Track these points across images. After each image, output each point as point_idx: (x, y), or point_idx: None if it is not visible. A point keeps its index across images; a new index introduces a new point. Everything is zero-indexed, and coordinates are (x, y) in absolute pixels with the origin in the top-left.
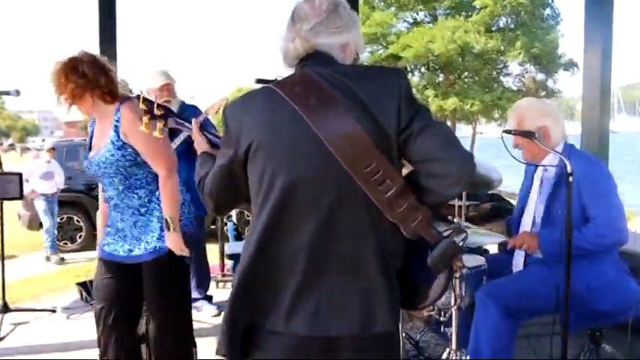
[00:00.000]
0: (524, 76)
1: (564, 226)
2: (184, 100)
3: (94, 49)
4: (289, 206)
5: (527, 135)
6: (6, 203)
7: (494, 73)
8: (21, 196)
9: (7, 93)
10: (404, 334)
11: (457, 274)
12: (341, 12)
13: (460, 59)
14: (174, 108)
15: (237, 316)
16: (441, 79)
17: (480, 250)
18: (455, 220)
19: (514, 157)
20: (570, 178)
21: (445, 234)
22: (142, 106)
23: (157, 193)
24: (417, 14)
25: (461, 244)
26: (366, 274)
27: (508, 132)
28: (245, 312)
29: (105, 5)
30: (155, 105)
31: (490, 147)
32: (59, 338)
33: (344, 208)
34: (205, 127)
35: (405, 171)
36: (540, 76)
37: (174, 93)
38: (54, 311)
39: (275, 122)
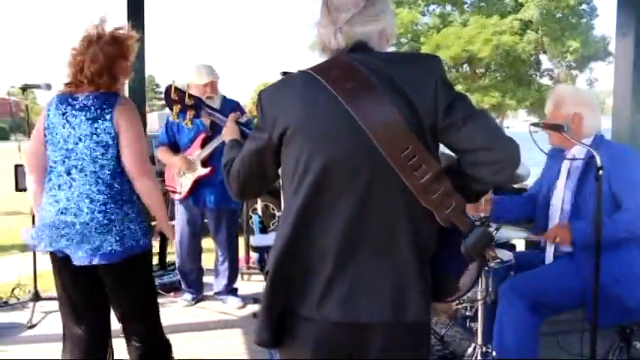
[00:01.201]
0: (553, 71)
1: (594, 216)
2: (225, 95)
3: None
4: (324, 189)
5: (556, 128)
6: None
7: (531, 69)
8: None
9: (38, 87)
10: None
11: (490, 264)
12: None
13: (499, 59)
14: (217, 104)
15: (273, 301)
16: (474, 76)
17: (506, 246)
18: (482, 214)
19: (542, 150)
20: (600, 172)
21: (478, 223)
22: (173, 95)
23: None
24: (445, 7)
25: (494, 233)
26: (399, 259)
27: (536, 125)
28: (280, 297)
29: (133, 2)
30: (187, 95)
31: (519, 141)
32: None
33: (378, 191)
34: (243, 123)
35: None
36: (575, 70)
37: (217, 90)
38: None
39: (311, 106)
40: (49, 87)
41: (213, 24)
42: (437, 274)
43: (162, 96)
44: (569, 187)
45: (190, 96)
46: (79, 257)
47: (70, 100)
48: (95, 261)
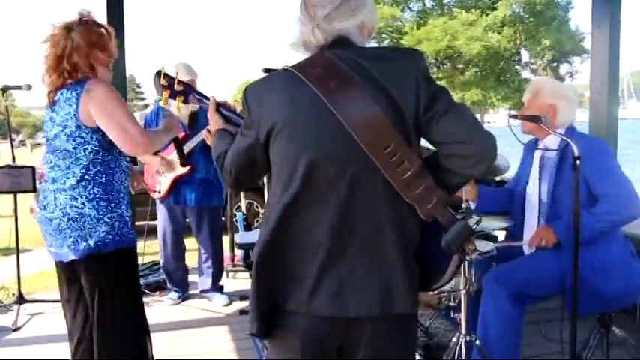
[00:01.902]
0: (537, 63)
1: (572, 209)
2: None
3: None
4: (310, 186)
5: (533, 119)
6: (19, 197)
7: (511, 64)
8: (34, 189)
9: (19, 87)
10: None
11: (469, 257)
12: None
13: (481, 55)
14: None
15: (261, 291)
16: (456, 72)
17: (488, 237)
18: (463, 204)
19: (520, 141)
20: (577, 162)
21: (459, 217)
22: (162, 81)
23: None
24: (425, 4)
25: (474, 227)
26: (386, 254)
27: (514, 117)
28: (267, 290)
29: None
30: (175, 81)
31: (499, 137)
32: None
33: (363, 188)
34: (224, 107)
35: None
36: (554, 64)
37: (195, 87)
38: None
39: (295, 104)
40: (29, 87)
41: (193, 22)
42: (422, 264)
43: (143, 95)
44: (545, 180)
45: (179, 82)
46: (64, 253)
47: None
48: (71, 256)
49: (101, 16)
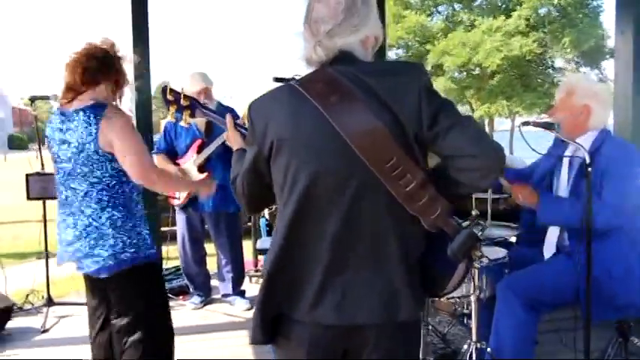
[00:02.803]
0: (566, 69)
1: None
2: (220, 101)
3: (128, 50)
4: (313, 200)
5: (547, 127)
6: (48, 202)
7: (539, 68)
8: None
9: (47, 98)
10: (430, 327)
11: (476, 264)
12: (357, 7)
13: (505, 65)
14: None
15: (267, 305)
16: (484, 79)
17: (504, 243)
18: (472, 212)
19: (533, 149)
20: (589, 169)
21: (464, 225)
22: (169, 96)
23: None
24: (453, 7)
25: (479, 234)
26: (388, 265)
27: (527, 123)
28: (274, 301)
29: (137, 7)
30: (182, 96)
31: (529, 140)
32: None
33: (366, 200)
34: (242, 125)
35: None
36: (584, 68)
37: (211, 96)
38: None
39: (298, 119)
40: (56, 98)
41: (224, 27)
42: (428, 272)
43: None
44: (569, 179)
45: (186, 97)
46: (86, 266)
47: (65, 113)
48: (100, 274)
49: (126, 29)
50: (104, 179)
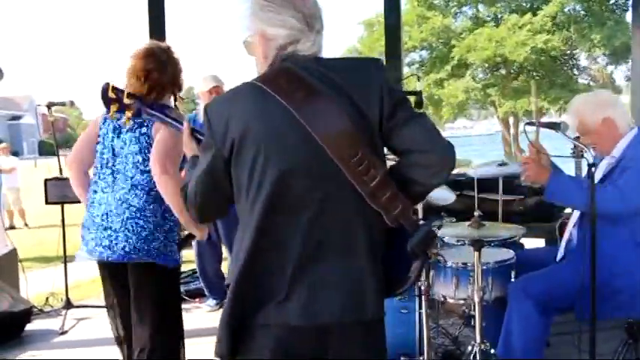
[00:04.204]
0: (591, 68)
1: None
2: None
3: None
4: (282, 198)
5: (551, 127)
6: (66, 207)
7: (565, 68)
8: (79, 200)
9: (63, 104)
10: (440, 329)
11: (432, 260)
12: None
13: (532, 61)
14: None
15: (234, 315)
16: (508, 77)
17: (513, 245)
18: (475, 212)
19: (538, 150)
20: (593, 169)
21: (422, 222)
22: (111, 94)
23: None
24: (478, 9)
25: (437, 231)
26: (356, 261)
27: (532, 124)
28: (241, 310)
29: (154, 13)
30: (125, 94)
31: (550, 139)
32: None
33: (334, 197)
34: (198, 130)
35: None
36: (610, 67)
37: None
38: None
39: (262, 116)
40: (72, 103)
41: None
42: (388, 269)
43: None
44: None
45: (129, 95)
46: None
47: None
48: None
49: (144, 33)
50: (150, 183)
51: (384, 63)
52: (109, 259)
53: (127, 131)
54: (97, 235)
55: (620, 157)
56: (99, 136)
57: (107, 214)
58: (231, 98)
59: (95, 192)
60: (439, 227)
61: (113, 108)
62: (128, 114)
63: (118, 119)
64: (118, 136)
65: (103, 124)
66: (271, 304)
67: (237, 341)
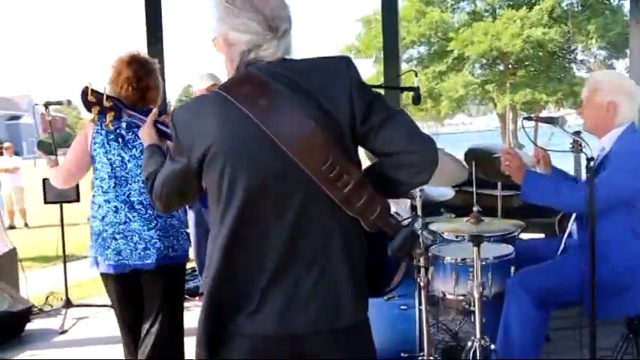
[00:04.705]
0: (590, 61)
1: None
2: None
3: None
4: (253, 210)
5: (549, 121)
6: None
7: (564, 61)
8: (78, 199)
9: (60, 103)
10: (440, 325)
11: (419, 262)
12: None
13: (528, 53)
14: None
15: (209, 322)
16: (506, 72)
17: (511, 240)
18: (474, 208)
19: (534, 144)
20: (591, 163)
21: (404, 223)
22: (90, 97)
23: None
24: (475, 4)
25: (419, 232)
26: (331, 268)
27: (529, 118)
28: (217, 315)
29: (151, 12)
30: (104, 97)
31: (547, 135)
32: (116, 331)
33: (308, 206)
34: (161, 122)
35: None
36: (609, 61)
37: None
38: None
39: (228, 128)
40: (69, 102)
41: None
42: (374, 271)
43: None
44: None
45: (109, 97)
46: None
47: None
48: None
49: (141, 31)
50: None
51: (383, 59)
52: (142, 266)
53: (128, 132)
54: (123, 243)
55: (608, 151)
56: (94, 150)
57: (126, 222)
58: (196, 109)
59: (108, 202)
60: (422, 228)
61: (94, 111)
62: (109, 117)
63: (117, 128)
64: (124, 144)
65: (100, 134)
66: (242, 314)
67: (216, 346)
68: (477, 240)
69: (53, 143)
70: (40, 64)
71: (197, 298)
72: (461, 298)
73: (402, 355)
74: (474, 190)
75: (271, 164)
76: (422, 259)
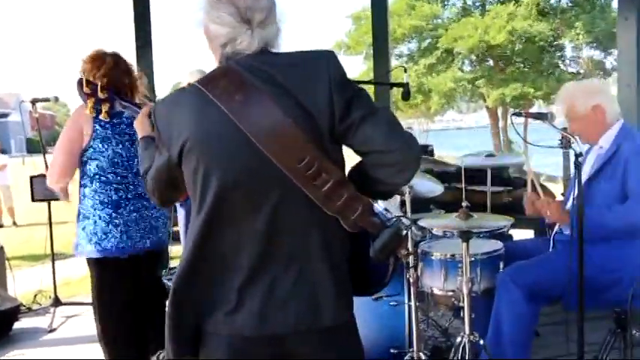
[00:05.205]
0: (579, 57)
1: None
2: None
3: (131, 49)
4: (227, 206)
5: (539, 117)
6: (53, 204)
7: (551, 57)
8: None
9: (47, 100)
10: (430, 321)
11: (405, 261)
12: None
13: (516, 47)
14: None
15: (178, 319)
16: (496, 68)
17: (502, 236)
18: (462, 204)
19: (524, 140)
20: (580, 159)
21: (389, 223)
22: (85, 89)
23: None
24: (465, 1)
25: (404, 232)
26: (311, 267)
27: (519, 114)
28: (188, 312)
29: (139, 9)
30: (99, 88)
31: (538, 131)
32: None
33: (284, 204)
34: None
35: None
36: (598, 57)
37: None
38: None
39: (203, 123)
40: (57, 99)
41: None
42: (360, 271)
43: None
44: (587, 174)
45: (103, 88)
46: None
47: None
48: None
49: (129, 29)
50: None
51: (372, 55)
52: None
53: (121, 131)
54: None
55: (611, 150)
56: (91, 146)
57: (140, 209)
58: (175, 103)
59: (117, 192)
60: (408, 227)
61: (89, 103)
62: (104, 107)
63: (115, 123)
64: (123, 137)
65: (100, 127)
66: (219, 314)
67: (188, 342)
68: (465, 236)
69: (41, 140)
70: (29, 62)
71: None
72: (450, 294)
73: (392, 351)
74: (463, 185)
75: (245, 161)
76: (411, 258)
